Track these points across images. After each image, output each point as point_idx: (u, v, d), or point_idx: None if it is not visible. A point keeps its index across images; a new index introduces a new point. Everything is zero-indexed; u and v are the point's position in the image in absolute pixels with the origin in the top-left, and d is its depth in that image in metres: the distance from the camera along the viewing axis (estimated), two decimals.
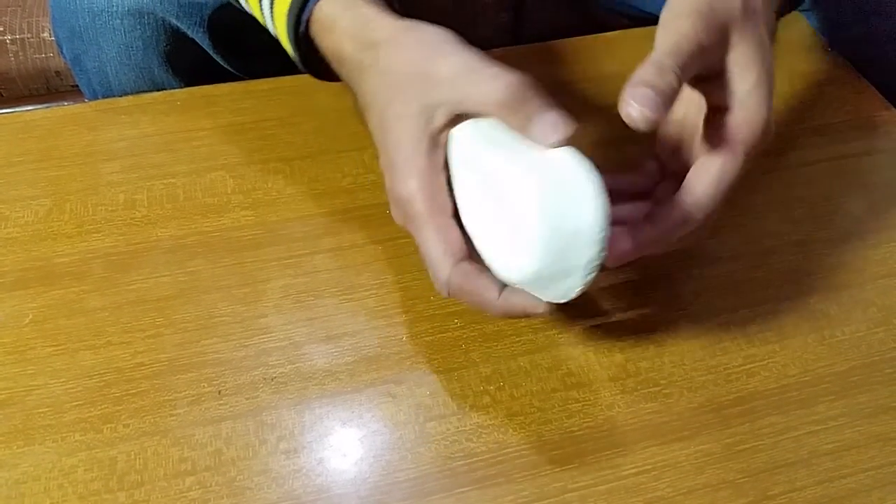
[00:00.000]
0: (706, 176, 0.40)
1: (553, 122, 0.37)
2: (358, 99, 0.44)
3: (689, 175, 0.41)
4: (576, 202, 0.36)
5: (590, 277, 0.37)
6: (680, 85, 0.38)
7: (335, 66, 0.46)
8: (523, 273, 0.37)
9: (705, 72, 0.41)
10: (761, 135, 0.41)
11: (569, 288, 0.38)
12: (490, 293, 0.39)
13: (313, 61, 0.47)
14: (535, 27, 0.84)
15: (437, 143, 0.41)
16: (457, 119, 0.40)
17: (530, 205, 0.36)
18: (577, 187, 0.36)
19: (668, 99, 0.37)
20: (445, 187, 0.41)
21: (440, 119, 0.40)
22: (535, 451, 0.41)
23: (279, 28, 0.47)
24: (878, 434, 0.42)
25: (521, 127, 0.38)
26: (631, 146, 0.45)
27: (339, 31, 0.43)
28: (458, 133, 0.41)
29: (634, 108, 0.36)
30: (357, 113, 0.52)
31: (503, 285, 0.39)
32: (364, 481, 0.40)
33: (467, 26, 0.43)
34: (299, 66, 0.48)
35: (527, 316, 0.40)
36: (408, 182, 0.40)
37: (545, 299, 0.39)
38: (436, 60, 0.40)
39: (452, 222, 0.40)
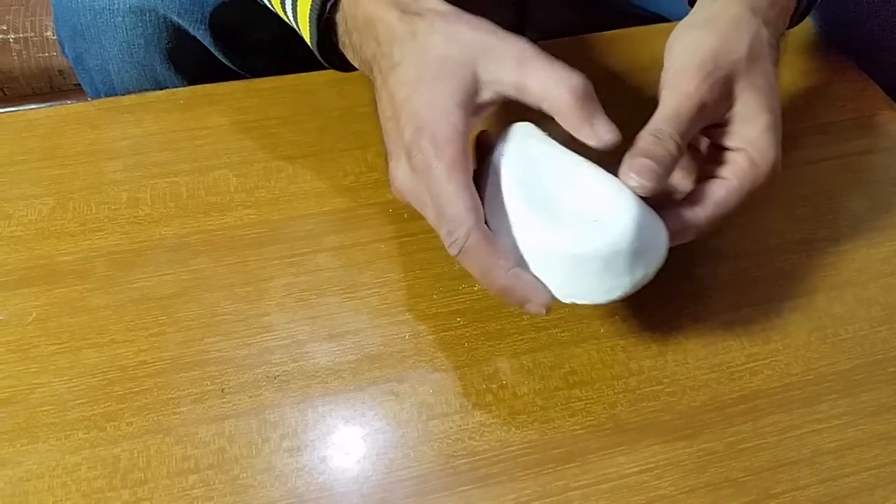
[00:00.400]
0: (708, 200, 0.42)
1: (610, 126, 0.40)
2: (383, 61, 0.43)
3: (690, 195, 0.42)
4: (657, 224, 0.40)
5: (635, 288, 0.39)
6: (680, 151, 0.40)
7: (358, 34, 0.44)
8: (614, 240, 0.38)
9: (711, 123, 0.43)
10: (767, 177, 0.42)
11: (617, 286, 0.39)
12: (505, 261, 0.39)
13: (325, 48, 0.47)
14: (538, 25, 0.84)
15: (475, 113, 0.41)
16: (501, 101, 0.41)
17: (632, 201, 0.39)
18: (658, 218, 0.40)
19: (668, 167, 0.40)
20: (471, 153, 0.41)
21: (487, 95, 0.41)
22: (538, 449, 0.41)
23: (301, 7, 0.46)
24: (882, 433, 0.42)
25: (582, 122, 0.40)
26: (629, 144, 0.45)
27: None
28: (526, 128, 0.43)
29: (634, 180, 0.39)
30: (358, 112, 0.53)
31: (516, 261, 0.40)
32: (367, 479, 0.40)
33: None
34: (313, 43, 0.47)
35: (525, 300, 0.39)
36: (439, 133, 0.39)
37: (585, 291, 0.39)
38: (504, 39, 0.41)
39: (472, 184, 0.40)
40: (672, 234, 0.40)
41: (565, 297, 0.39)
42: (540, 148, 0.42)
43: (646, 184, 0.39)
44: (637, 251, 0.38)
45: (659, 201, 0.41)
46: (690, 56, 0.42)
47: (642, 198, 0.40)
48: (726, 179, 0.42)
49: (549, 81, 0.40)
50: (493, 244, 0.39)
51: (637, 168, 0.39)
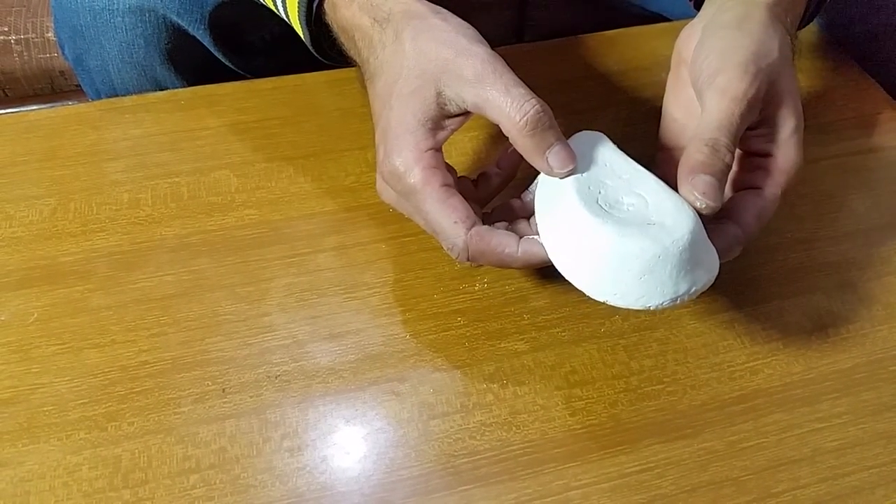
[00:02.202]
0: (749, 214, 0.42)
1: (567, 156, 0.40)
2: (365, 68, 0.44)
3: (730, 211, 0.42)
4: (710, 247, 0.39)
5: (673, 302, 0.38)
6: (732, 161, 0.40)
7: (345, 39, 0.45)
8: (664, 243, 0.37)
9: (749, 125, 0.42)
10: (794, 180, 0.43)
11: (656, 293, 0.38)
12: (510, 248, 0.40)
13: (321, 44, 0.48)
14: (538, 25, 0.84)
15: (442, 126, 0.41)
16: (470, 112, 0.41)
17: (693, 216, 0.38)
18: (709, 242, 0.40)
19: (725, 180, 0.40)
20: (444, 163, 0.41)
21: (452, 108, 0.41)
22: (538, 448, 0.41)
23: (291, 6, 0.47)
24: (882, 431, 0.42)
25: (536, 152, 0.40)
26: (634, 143, 0.45)
27: (357, 4, 0.43)
28: (595, 135, 0.43)
29: (700, 200, 0.39)
30: (359, 112, 0.53)
31: (519, 237, 0.40)
32: (367, 479, 0.40)
33: (469, 23, 0.43)
34: (308, 43, 0.48)
35: (545, 263, 0.40)
36: (403, 153, 0.40)
37: (622, 291, 0.38)
38: (462, 57, 0.40)
39: (453, 190, 0.40)
40: (720, 253, 0.40)
41: (601, 294, 0.38)
42: (607, 155, 0.42)
43: (712, 204, 0.39)
44: (685, 264, 0.37)
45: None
46: (731, 56, 0.42)
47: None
48: (761, 189, 0.42)
49: (503, 107, 0.39)
50: (492, 239, 0.40)
51: (702, 188, 0.38)
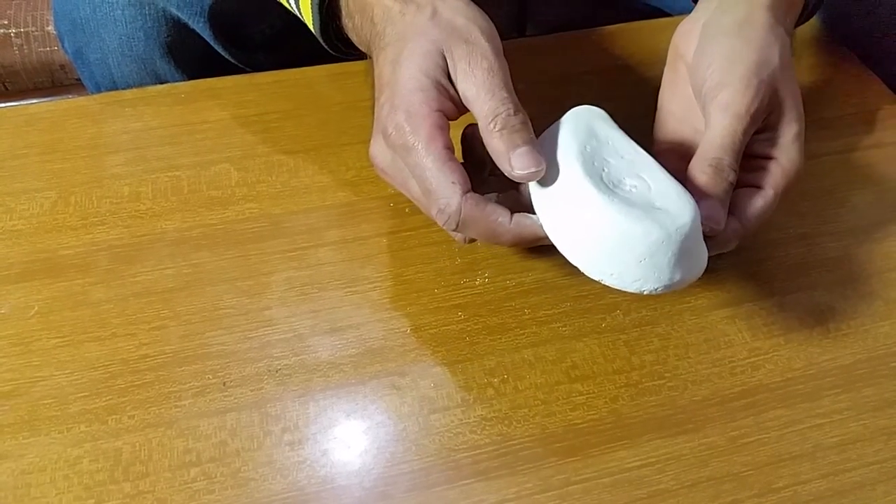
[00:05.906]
0: (749, 212, 0.42)
1: (533, 161, 0.38)
2: (378, 42, 0.43)
3: (733, 205, 0.42)
4: (703, 241, 0.39)
5: (666, 289, 0.38)
6: (736, 178, 0.41)
7: (359, 19, 0.45)
8: (669, 230, 0.37)
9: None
10: (795, 181, 0.43)
11: (651, 278, 0.37)
12: (502, 217, 0.39)
13: (329, 32, 0.47)
14: (539, 20, 0.84)
15: (450, 95, 0.41)
16: None
17: (695, 207, 0.38)
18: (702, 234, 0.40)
19: (729, 196, 0.41)
20: (448, 130, 0.40)
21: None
22: (539, 443, 0.41)
23: None
24: (884, 427, 0.42)
25: (501, 153, 0.39)
26: (634, 137, 0.45)
27: None
28: (594, 111, 0.43)
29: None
30: (360, 106, 0.53)
31: (512, 212, 0.39)
32: (368, 473, 0.40)
33: None
34: (316, 29, 0.47)
35: (536, 238, 0.39)
36: (413, 108, 0.39)
37: (619, 271, 0.38)
38: (471, 46, 0.40)
39: (453, 155, 0.40)
40: (716, 244, 0.41)
41: (598, 273, 0.38)
42: (609, 132, 0.42)
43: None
44: (683, 252, 0.37)
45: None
46: (731, 67, 0.42)
47: None
48: (763, 189, 0.42)
49: (482, 103, 0.39)
50: (486, 206, 0.39)
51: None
